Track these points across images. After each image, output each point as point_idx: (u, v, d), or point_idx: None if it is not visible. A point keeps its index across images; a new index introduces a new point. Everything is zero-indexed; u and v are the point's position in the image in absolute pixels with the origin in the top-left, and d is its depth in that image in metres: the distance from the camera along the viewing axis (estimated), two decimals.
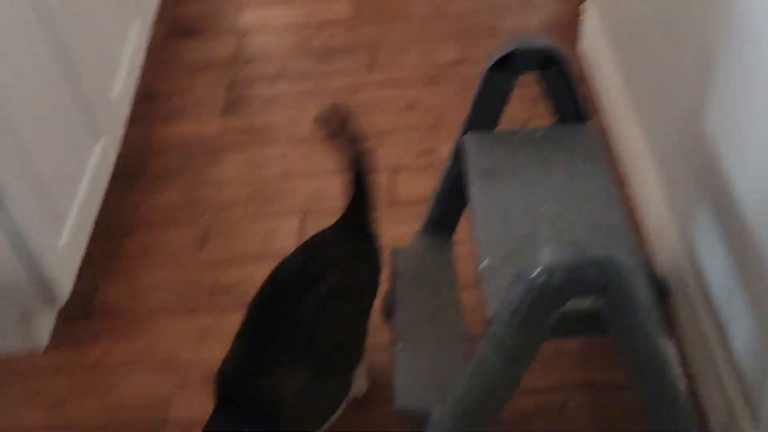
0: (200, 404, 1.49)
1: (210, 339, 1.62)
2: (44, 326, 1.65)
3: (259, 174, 1.98)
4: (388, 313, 1.60)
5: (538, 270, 0.92)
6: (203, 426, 1.19)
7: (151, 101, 2.19)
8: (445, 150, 1.45)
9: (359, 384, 1.49)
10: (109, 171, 1.87)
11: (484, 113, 1.32)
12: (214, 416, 1.19)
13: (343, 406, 1.34)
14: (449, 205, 1.46)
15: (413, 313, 1.35)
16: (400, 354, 1.29)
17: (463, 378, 1.08)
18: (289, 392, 1.18)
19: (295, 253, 1.31)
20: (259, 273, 1.30)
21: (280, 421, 1.17)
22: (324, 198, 1.89)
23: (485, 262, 1.10)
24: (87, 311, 1.71)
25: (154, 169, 2.02)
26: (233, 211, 1.89)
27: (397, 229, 1.72)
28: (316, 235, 1.34)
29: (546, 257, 0.92)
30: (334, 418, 1.34)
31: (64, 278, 1.59)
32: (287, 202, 1.90)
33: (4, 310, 1.56)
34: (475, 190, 1.21)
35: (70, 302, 1.69)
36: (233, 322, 1.27)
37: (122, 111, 1.98)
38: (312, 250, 1.30)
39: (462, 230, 1.51)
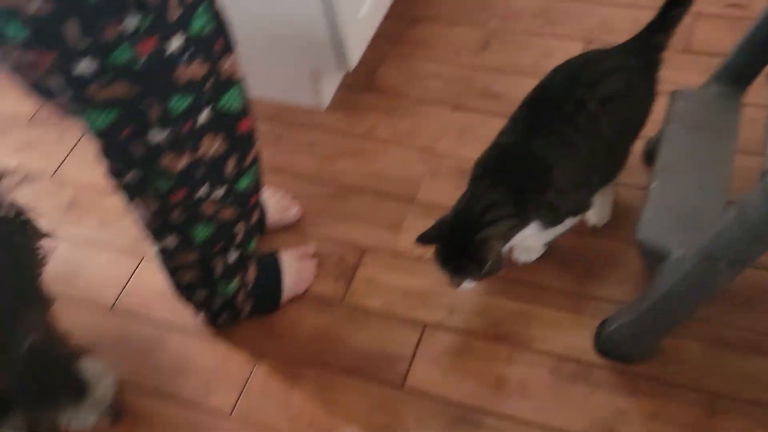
0: (446, 191, 1.60)
1: (469, 136, 1.69)
2: (329, 88, 1.82)
3: None
4: (648, 157, 1.56)
5: None
6: (459, 199, 1.28)
7: None
8: (761, 6, 1.32)
9: (602, 213, 1.51)
10: None
11: None
12: (469, 191, 1.27)
13: (573, 222, 1.37)
14: (753, 58, 1.35)
15: (680, 156, 1.31)
16: (656, 190, 1.27)
17: (720, 224, 1.06)
18: (557, 180, 1.23)
19: (576, 58, 1.31)
20: (530, 87, 1.31)
21: (529, 198, 1.23)
22: (612, 30, 1.82)
23: None
24: (367, 85, 1.84)
25: None
26: (519, 23, 1.89)
27: (682, 77, 1.64)
28: (600, 50, 1.32)
29: None
30: (561, 231, 1.38)
31: (356, 47, 1.71)
32: (574, 25, 1.86)
33: (301, 65, 1.73)
34: None
35: (354, 72, 1.84)
36: (495, 126, 1.32)
37: None
38: (593, 61, 1.29)
39: (754, 93, 1.40)
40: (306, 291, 1.51)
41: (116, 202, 1.70)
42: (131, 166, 1.07)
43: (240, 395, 1.40)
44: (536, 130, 1.25)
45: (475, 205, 1.23)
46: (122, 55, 0.91)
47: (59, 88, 0.95)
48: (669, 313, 1.21)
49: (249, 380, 1.42)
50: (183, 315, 1.50)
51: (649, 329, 1.26)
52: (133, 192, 1.13)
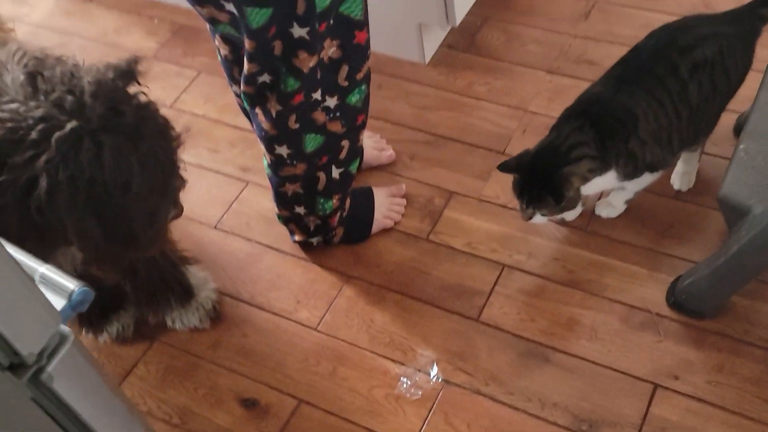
0: None
1: (560, 99, 1.75)
2: (432, 44, 1.91)
3: None
4: (739, 130, 1.60)
5: None
6: (544, 137, 1.37)
7: None
8: None
9: (687, 178, 1.56)
10: None
11: None
12: (555, 131, 1.36)
13: (651, 180, 1.42)
14: None
15: None
16: (742, 152, 1.32)
17: None
18: (641, 131, 1.30)
19: (674, 23, 1.37)
20: None
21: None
22: (714, 7, 1.85)
23: None
24: (467, 45, 1.93)
25: None
26: None
27: None
28: (699, 15, 1.38)
29: None
30: (639, 188, 1.44)
31: (460, 6, 1.80)
32: (675, 0, 1.90)
33: (409, 18, 1.82)
34: None
35: (456, 32, 1.93)
36: None
37: None
38: (690, 26, 1.35)
39: None
40: (394, 226, 1.61)
41: (227, 133, 1.85)
42: (270, 64, 1.20)
43: (326, 312, 1.52)
44: (627, 83, 1.32)
45: (561, 142, 1.31)
46: None
47: None
48: (743, 267, 1.26)
49: (335, 300, 1.53)
50: (279, 237, 1.62)
51: (722, 284, 1.31)
52: (261, 97, 1.26)
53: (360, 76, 1.32)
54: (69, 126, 0.95)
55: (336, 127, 1.34)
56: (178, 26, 2.14)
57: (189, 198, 1.66)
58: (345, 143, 1.39)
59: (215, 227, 1.69)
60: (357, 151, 1.44)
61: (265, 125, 1.32)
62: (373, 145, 1.70)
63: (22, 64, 1.05)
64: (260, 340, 1.50)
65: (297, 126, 1.30)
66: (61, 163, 0.95)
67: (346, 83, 1.31)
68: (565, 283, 1.48)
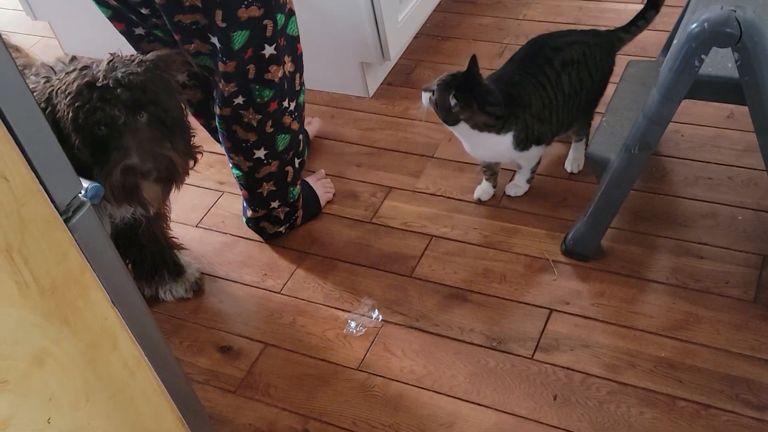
0: (458, 151, 2.05)
1: None
2: (374, 82, 2.32)
3: (557, 20, 2.42)
4: None
5: (693, 22, 1.28)
6: None
7: None
8: None
9: (576, 162, 1.93)
10: None
11: None
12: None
13: (537, 154, 1.79)
14: None
15: (625, 101, 1.74)
16: (604, 123, 1.70)
17: (633, 124, 1.48)
18: (533, 106, 1.70)
19: (547, 33, 1.78)
20: None
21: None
22: None
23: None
24: (404, 81, 2.34)
25: (482, 0, 2.58)
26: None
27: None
28: (568, 30, 1.80)
29: (703, 14, 1.28)
30: (532, 163, 1.81)
31: (395, 47, 2.23)
32: None
33: (351, 60, 2.24)
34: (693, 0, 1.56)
35: (394, 72, 2.35)
36: None
37: None
38: (560, 35, 1.77)
39: None
40: (342, 215, 1.96)
41: (205, 158, 2.22)
42: (245, 85, 1.58)
43: (287, 280, 1.84)
44: (519, 70, 1.71)
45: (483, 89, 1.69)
46: None
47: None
48: (608, 203, 1.61)
49: (295, 271, 1.86)
50: (248, 230, 1.96)
51: (597, 222, 1.66)
52: (236, 117, 1.63)
53: (303, 79, 1.71)
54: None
55: (295, 125, 1.72)
56: None
57: (174, 207, 2.02)
58: (301, 137, 1.76)
59: (196, 226, 2.03)
60: (307, 141, 1.81)
61: (245, 136, 1.68)
62: (325, 188, 2.03)
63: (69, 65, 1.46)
64: (233, 304, 1.82)
65: (272, 130, 1.68)
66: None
67: (298, 87, 1.70)
68: (481, 244, 1.83)
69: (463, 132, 1.75)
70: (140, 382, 1.06)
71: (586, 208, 1.69)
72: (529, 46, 1.78)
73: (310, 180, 2.00)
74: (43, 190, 0.87)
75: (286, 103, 1.66)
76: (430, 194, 1.98)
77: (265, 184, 1.79)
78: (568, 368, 1.55)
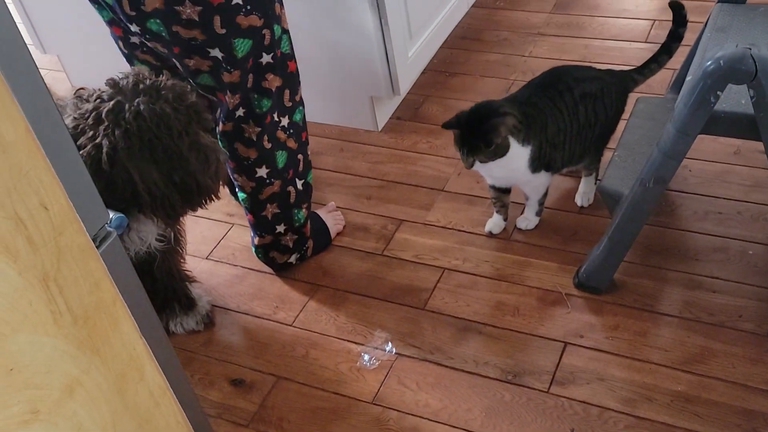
0: (467, 184, 2.08)
1: None
2: (383, 116, 2.34)
3: (563, 57, 2.46)
4: None
5: (709, 60, 1.30)
6: None
7: None
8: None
9: (587, 196, 1.94)
10: (453, 26, 2.50)
11: None
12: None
13: (545, 182, 1.81)
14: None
15: (637, 136, 1.76)
16: (616, 158, 1.72)
17: (647, 158, 1.50)
18: (549, 128, 1.72)
19: (569, 65, 1.81)
20: None
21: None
22: None
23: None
24: (412, 116, 2.37)
25: (487, 37, 2.62)
26: (536, 75, 2.41)
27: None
28: (588, 65, 1.83)
29: (719, 52, 1.30)
30: (541, 191, 1.83)
31: (405, 82, 2.25)
32: None
33: (361, 94, 2.27)
34: (705, 38, 1.59)
35: (403, 106, 2.38)
36: None
37: None
38: (581, 68, 1.80)
39: None
40: (353, 247, 1.96)
41: None
42: (245, 96, 1.60)
43: (299, 312, 1.84)
44: (538, 93, 1.73)
45: (491, 103, 1.68)
46: None
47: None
48: (621, 237, 1.62)
49: (307, 303, 1.86)
50: (259, 262, 1.96)
51: (610, 256, 1.67)
52: (238, 131, 1.66)
53: (297, 98, 1.74)
54: (112, 102, 1.35)
55: (292, 143, 1.74)
56: None
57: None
58: (300, 157, 1.79)
59: (206, 258, 2.03)
60: (308, 164, 1.83)
61: (246, 153, 1.70)
62: (335, 221, 2.04)
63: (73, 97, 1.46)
64: (245, 337, 1.81)
65: (270, 145, 1.69)
66: (113, 125, 1.33)
67: (289, 104, 1.72)
68: (493, 277, 1.83)
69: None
70: (165, 413, 1.06)
71: (599, 242, 1.70)
72: (549, 73, 1.80)
73: (321, 212, 2.01)
74: (80, 220, 0.88)
75: (276, 117, 1.69)
76: (441, 227, 1.99)
77: (269, 205, 1.80)
78: (584, 402, 1.55)
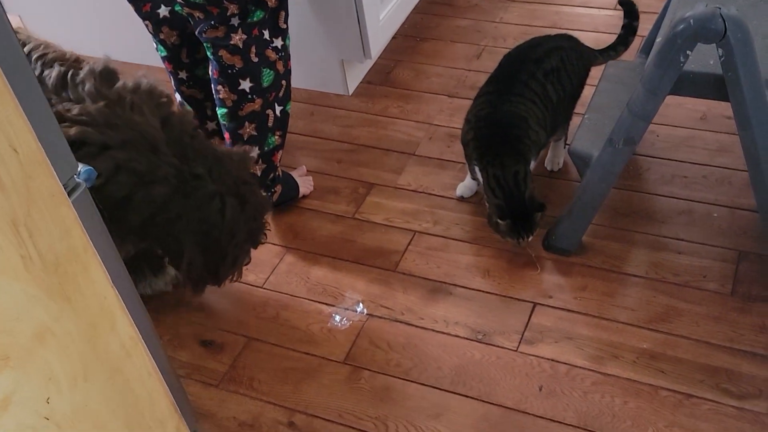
0: (438, 149, 2.08)
1: (459, 114, 2.15)
2: (354, 81, 2.33)
3: (534, 23, 2.47)
4: None
5: (678, 20, 1.31)
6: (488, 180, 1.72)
7: None
8: None
9: (556, 161, 1.96)
10: None
11: None
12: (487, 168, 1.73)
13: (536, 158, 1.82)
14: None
15: (606, 99, 1.78)
16: (586, 120, 1.74)
17: (617, 119, 1.51)
18: (531, 126, 1.71)
19: (522, 44, 1.82)
20: None
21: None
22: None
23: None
24: (383, 80, 2.36)
25: (458, 2, 2.61)
26: (506, 41, 2.41)
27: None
28: (540, 36, 1.84)
29: (687, 12, 1.31)
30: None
31: (376, 45, 2.24)
32: None
33: (332, 57, 2.25)
34: (674, 0, 1.60)
35: (374, 71, 2.36)
36: None
37: None
38: (535, 44, 1.80)
39: None
40: (324, 210, 1.96)
41: None
42: (243, 8, 1.64)
43: (270, 274, 1.83)
44: (506, 95, 1.73)
45: (512, 179, 1.67)
46: None
47: None
48: (590, 198, 1.64)
49: (278, 265, 1.85)
50: None
51: (578, 218, 1.69)
52: (227, 38, 1.67)
53: (287, 25, 1.75)
54: (211, 187, 1.50)
55: (280, 66, 1.75)
56: None
57: None
58: (284, 83, 1.79)
59: None
60: (289, 93, 1.83)
61: (231, 60, 1.70)
62: (304, 184, 2.04)
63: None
64: (214, 299, 1.80)
65: (257, 60, 1.70)
66: (197, 210, 1.45)
67: (284, 26, 1.74)
68: (464, 240, 1.84)
69: None
70: (136, 365, 1.05)
71: (569, 205, 1.71)
72: (508, 63, 1.80)
73: (294, 174, 2.00)
74: (50, 165, 0.86)
75: (267, 36, 1.71)
76: (412, 191, 1.99)
77: (247, 124, 1.79)
78: (552, 360, 1.57)
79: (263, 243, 1.67)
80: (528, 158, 1.71)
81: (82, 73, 1.50)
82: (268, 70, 1.73)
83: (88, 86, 1.48)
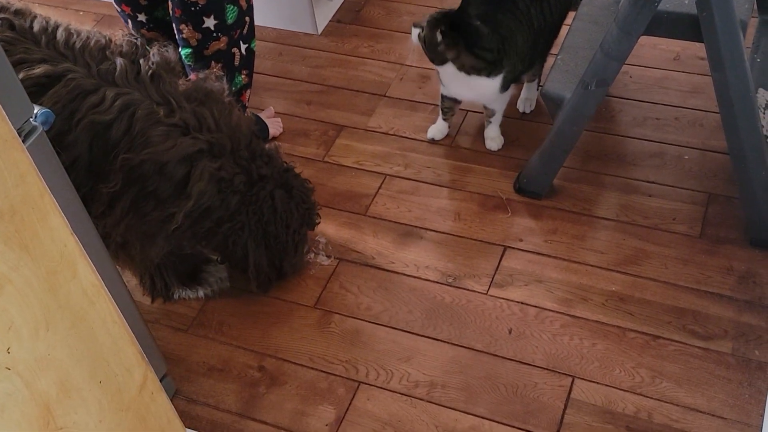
0: (409, 90, 2.05)
1: None
2: (323, 19, 2.27)
3: None
4: None
5: None
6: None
7: None
8: None
9: (529, 103, 1.94)
10: None
11: None
12: None
13: (508, 96, 1.79)
14: None
15: (579, 39, 1.75)
16: (558, 61, 1.71)
17: (591, 55, 1.49)
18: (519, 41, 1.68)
19: None
20: None
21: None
22: None
23: None
24: (353, 19, 2.30)
25: None
26: None
27: None
28: None
29: None
30: (502, 106, 1.81)
31: None
32: None
33: None
34: None
35: (343, 9, 2.30)
36: None
37: None
38: None
39: None
40: (295, 153, 1.92)
41: None
42: None
43: None
44: (498, 7, 1.68)
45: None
46: None
47: None
48: (561, 141, 1.62)
49: None
50: None
51: (549, 161, 1.68)
52: None
53: None
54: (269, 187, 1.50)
55: (243, 2, 1.70)
56: (100, 16, 2.43)
57: None
58: (247, 19, 1.74)
59: None
60: (253, 30, 1.79)
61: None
62: (273, 126, 2.00)
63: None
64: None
65: None
66: (257, 214, 1.48)
67: None
68: (435, 183, 1.82)
69: (448, 73, 1.72)
70: (100, 312, 1.02)
71: (540, 147, 1.70)
72: None
73: (262, 115, 1.96)
74: (2, 109, 0.82)
75: None
76: (383, 133, 1.96)
77: (213, 63, 1.74)
78: (522, 303, 1.58)
79: (318, 223, 1.65)
80: (509, 58, 1.69)
81: (151, 65, 1.44)
82: (232, 6, 1.68)
83: (169, 83, 1.44)
